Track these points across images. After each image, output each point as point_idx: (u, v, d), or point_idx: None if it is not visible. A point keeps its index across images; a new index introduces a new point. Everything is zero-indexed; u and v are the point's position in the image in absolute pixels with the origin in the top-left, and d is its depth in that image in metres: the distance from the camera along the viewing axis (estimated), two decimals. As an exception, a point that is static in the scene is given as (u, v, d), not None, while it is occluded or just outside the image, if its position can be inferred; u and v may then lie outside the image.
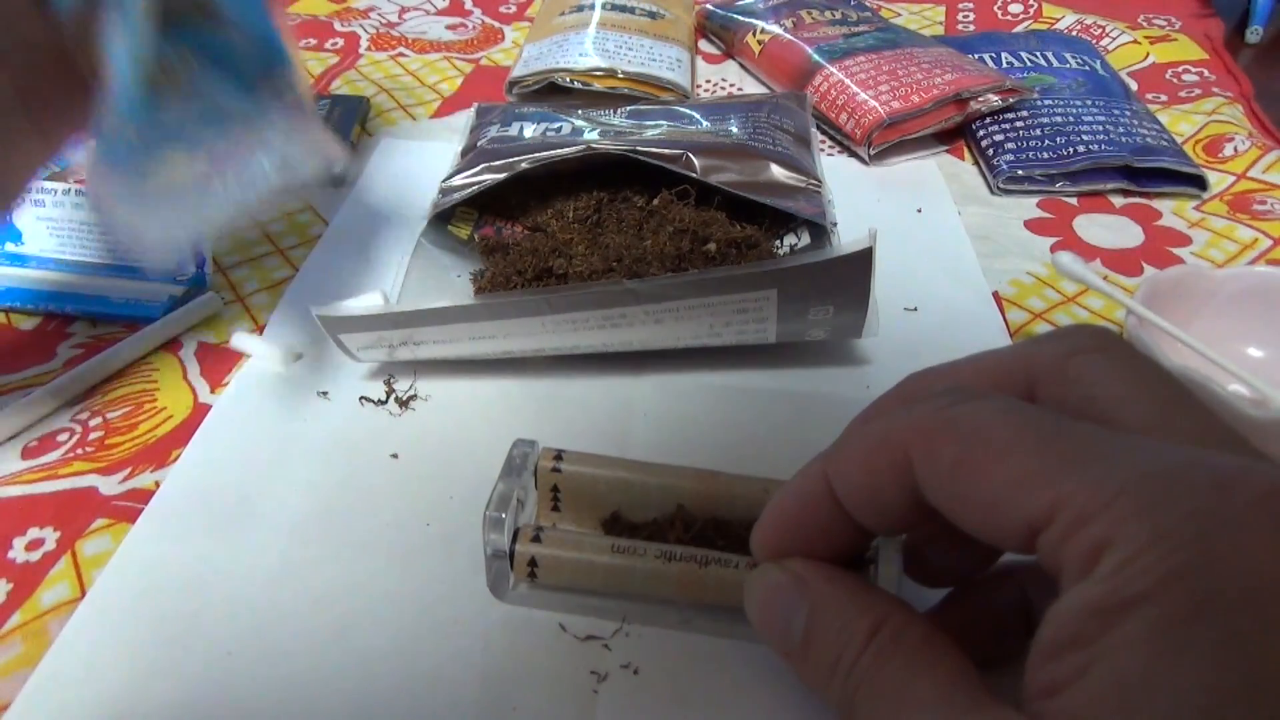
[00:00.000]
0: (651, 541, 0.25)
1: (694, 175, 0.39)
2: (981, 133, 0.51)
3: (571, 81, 0.55)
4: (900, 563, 0.23)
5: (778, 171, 0.40)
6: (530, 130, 0.46)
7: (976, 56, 0.57)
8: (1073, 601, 0.15)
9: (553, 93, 0.56)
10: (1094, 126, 0.49)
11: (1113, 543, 0.15)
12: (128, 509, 0.31)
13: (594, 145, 0.41)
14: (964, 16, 0.69)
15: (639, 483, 0.26)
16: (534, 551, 0.25)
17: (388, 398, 0.35)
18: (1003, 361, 0.22)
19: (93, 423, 0.34)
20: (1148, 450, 0.16)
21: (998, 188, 0.48)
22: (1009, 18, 0.68)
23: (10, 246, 0.41)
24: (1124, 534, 0.14)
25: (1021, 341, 0.22)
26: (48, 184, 0.40)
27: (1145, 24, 0.67)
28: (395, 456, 0.33)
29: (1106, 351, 0.20)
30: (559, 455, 0.27)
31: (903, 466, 0.18)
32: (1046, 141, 0.49)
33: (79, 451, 0.33)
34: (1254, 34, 0.65)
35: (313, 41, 0.66)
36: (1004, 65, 0.57)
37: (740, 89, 0.61)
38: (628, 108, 0.49)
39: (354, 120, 0.53)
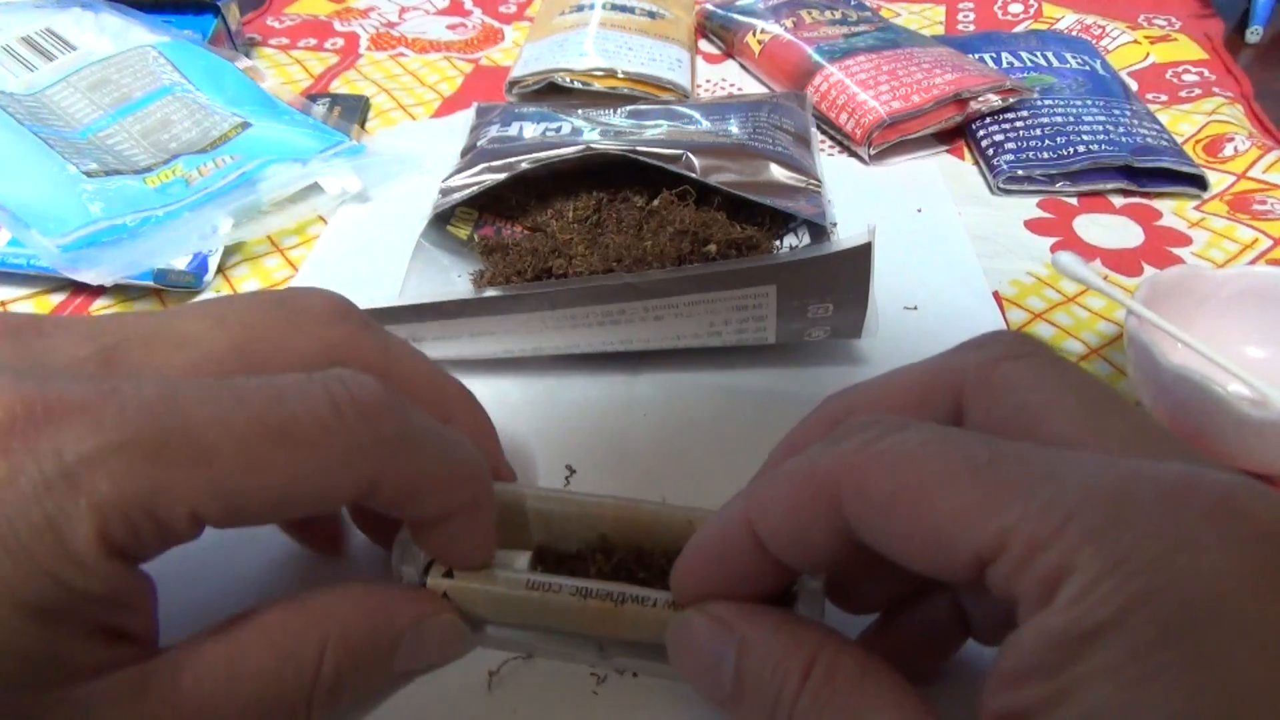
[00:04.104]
0: (573, 576, 0.24)
1: (694, 175, 0.39)
2: (981, 133, 0.51)
3: (571, 81, 0.55)
4: (823, 598, 0.22)
5: (778, 171, 0.40)
6: (530, 130, 0.46)
7: (976, 56, 0.57)
8: (1035, 631, 0.15)
9: (553, 93, 0.56)
10: (1094, 126, 0.49)
11: (1069, 570, 0.14)
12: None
13: (594, 145, 0.41)
14: (964, 16, 0.69)
15: (559, 514, 0.25)
16: (446, 585, 0.24)
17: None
18: (926, 375, 0.21)
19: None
20: (1089, 467, 0.16)
21: (998, 188, 0.48)
22: (1009, 18, 0.68)
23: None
24: (1080, 561, 0.14)
25: (943, 353, 0.22)
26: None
27: (1145, 24, 0.67)
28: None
29: (1031, 358, 0.20)
30: None
31: (830, 505, 0.18)
32: (1046, 141, 0.49)
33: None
34: (1254, 34, 0.65)
35: (313, 41, 0.66)
36: (1004, 65, 0.57)
37: (740, 89, 0.61)
38: (628, 108, 0.49)
39: (354, 120, 0.53)
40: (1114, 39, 0.63)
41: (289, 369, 0.22)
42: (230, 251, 0.44)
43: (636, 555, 0.25)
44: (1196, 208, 0.47)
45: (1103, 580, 0.14)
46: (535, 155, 0.41)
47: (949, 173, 0.50)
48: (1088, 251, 0.44)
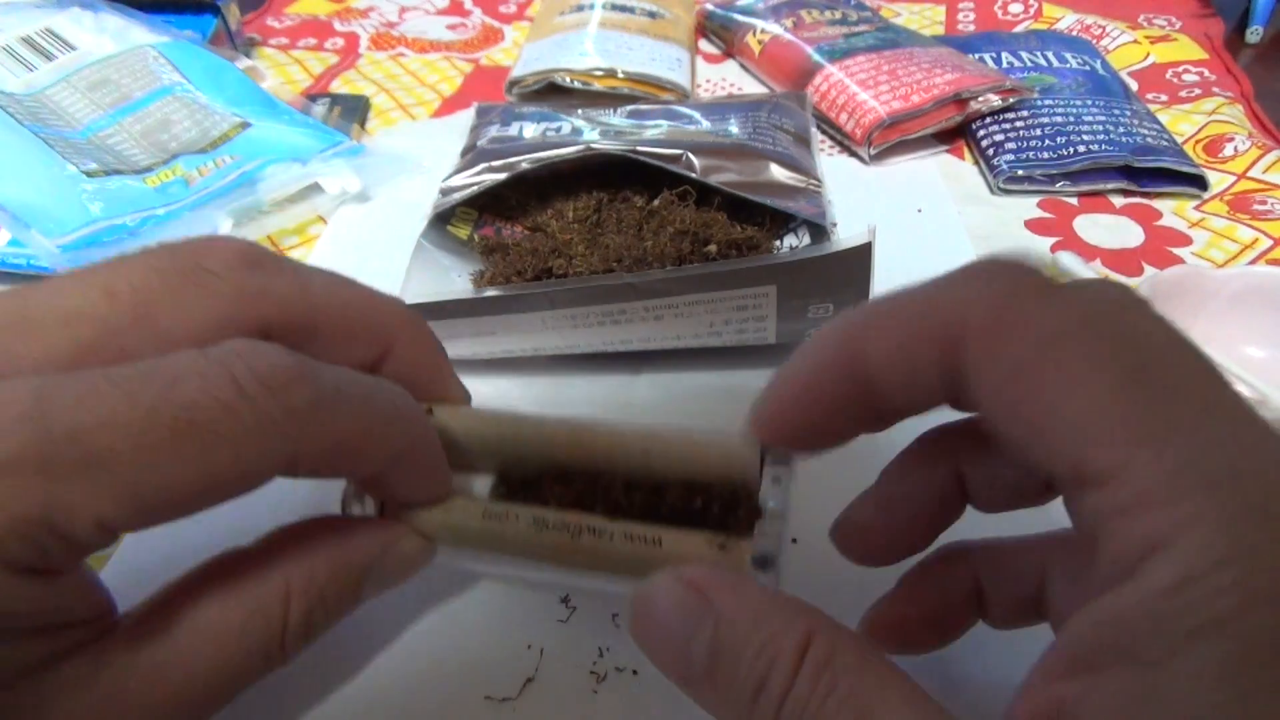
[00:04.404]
0: (532, 505, 0.23)
1: (694, 175, 0.39)
2: (981, 133, 0.51)
3: (571, 81, 0.55)
4: (786, 520, 0.21)
5: (778, 171, 0.40)
6: (530, 130, 0.46)
7: (977, 56, 0.57)
8: (1127, 606, 0.13)
9: (553, 93, 0.56)
10: (1094, 126, 0.49)
11: (1175, 544, 0.13)
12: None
13: (594, 145, 0.41)
14: (964, 16, 0.69)
15: (513, 438, 0.24)
16: (403, 515, 0.23)
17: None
18: (917, 309, 0.17)
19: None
20: (1240, 431, 0.14)
21: (998, 188, 0.48)
22: (1009, 17, 0.68)
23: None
24: (1195, 540, 0.13)
25: (938, 280, 0.18)
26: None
27: (1145, 24, 0.67)
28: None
29: (1051, 298, 0.16)
30: (429, 410, 0.24)
31: (948, 349, 0.16)
32: (1047, 141, 0.49)
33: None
34: (1254, 34, 0.65)
35: (313, 41, 0.66)
36: (1004, 65, 0.57)
37: (740, 89, 0.61)
38: (628, 107, 0.49)
39: (354, 120, 0.53)
40: (1114, 39, 0.63)
41: (198, 335, 0.20)
42: (230, 251, 0.44)
43: (595, 483, 0.24)
44: (1197, 208, 0.47)
45: (1219, 571, 0.12)
46: (535, 155, 0.41)
47: (949, 173, 0.50)
48: (1088, 251, 0.44)
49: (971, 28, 0.68)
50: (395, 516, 0.23)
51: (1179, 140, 0.50)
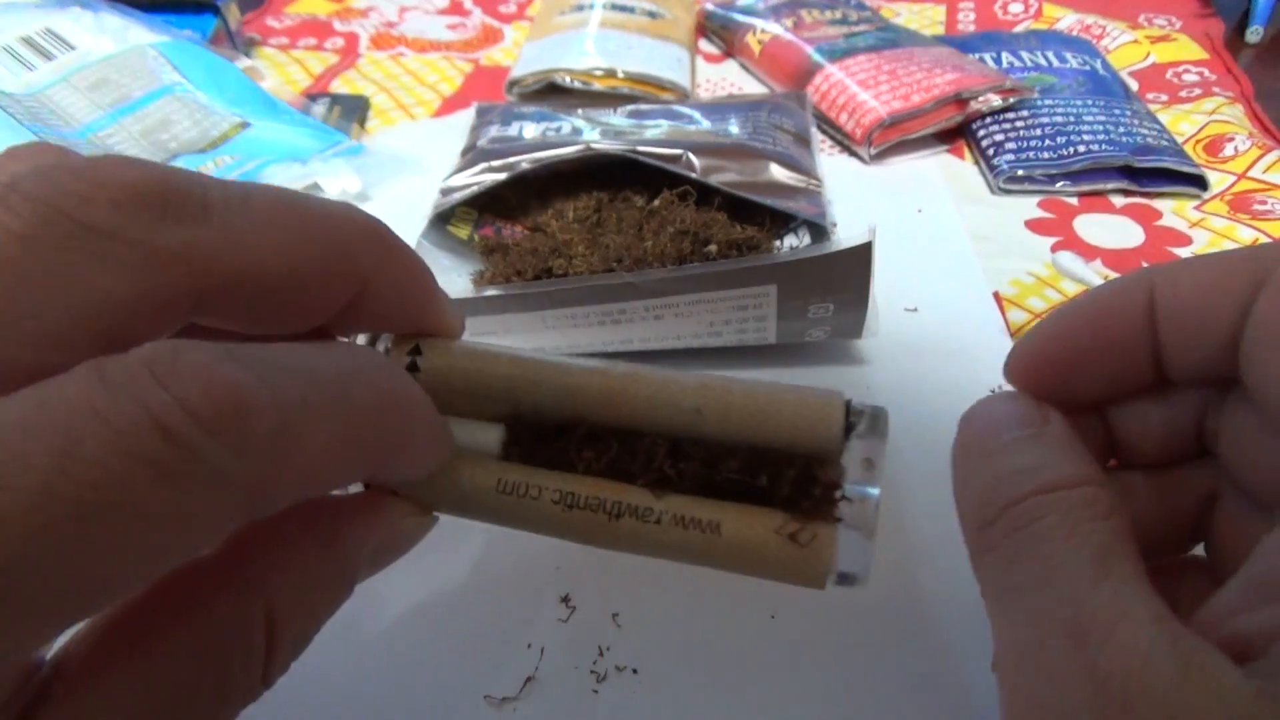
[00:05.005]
0: (555, 470, 0.19)
1: (694, 175, 0.39)
2: (982, 132, 0.51)
3: (571, 81, 0.55)
4: (876, 514, 0.19)
5: (778, 171, 0.40)
6: (530, 130, 0.46)
7: (977, 56, 0.57)
8: None
9: (553, 92, 0.56)
10: (1094, 126, 0.49)
11: None
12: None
13: (594, 145, 0.41)
14: (964, 16, 0.69)
15: (525, 380, 0.20)
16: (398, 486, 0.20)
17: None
18: (1225, 257, 0.17)
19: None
20: None
21: (998, 188, 0.48)
22: (1009, 17, 0.68)
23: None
24: None
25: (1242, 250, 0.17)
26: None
27: (1146, 24, 0.67)
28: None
29: None
30: (417, 349, 0.20)
31: (1253, 292, 0.15)
32: (1047, 141, 0.49)
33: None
34: (1254, 34, 0.65)
35: (312, 41, 0.66)
36: (1004, 65, 0.57)
37: (740, 89, 0.61)
38: (628, 107, 0.49)
39: (354, 120, 0.53)
40: (1114, 39, 0.63)
41: (97, 328, 0.14)
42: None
43: (634, 447, 0.19)
44: (1197, 208, 0.47)
45: None
46: (535, 155, 0.41)
47: (949, 173, 0.50)
48: (1088, 251, 0.44)
49: (971, 28, 0.68)
50: (385, 488, 0.20)
51: (1179, 140, 0.50)
